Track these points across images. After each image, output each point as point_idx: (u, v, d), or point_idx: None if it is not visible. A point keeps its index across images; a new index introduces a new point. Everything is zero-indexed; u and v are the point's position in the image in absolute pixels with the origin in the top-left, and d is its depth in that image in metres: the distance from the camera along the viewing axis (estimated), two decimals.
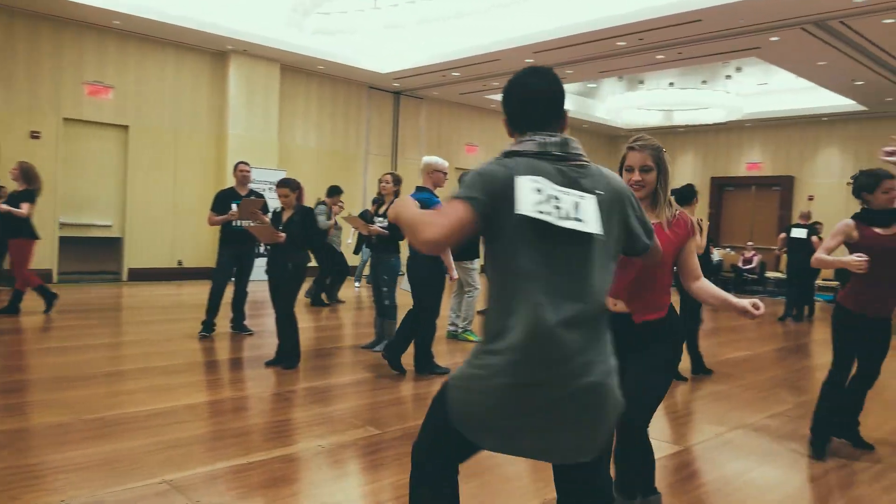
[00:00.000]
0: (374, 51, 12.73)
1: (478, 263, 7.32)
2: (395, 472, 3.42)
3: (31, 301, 7.86)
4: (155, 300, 9.59)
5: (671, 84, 15.07)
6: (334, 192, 9.32)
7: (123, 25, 10.88)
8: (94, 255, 11.44)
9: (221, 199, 6.78)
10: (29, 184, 7.47)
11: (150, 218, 11.56)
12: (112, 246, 11.55)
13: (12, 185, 7.92)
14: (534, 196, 1.67)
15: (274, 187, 6.64)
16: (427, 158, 5.78)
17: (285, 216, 5.60)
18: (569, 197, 1.71)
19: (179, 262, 11.86)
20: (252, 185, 7.24)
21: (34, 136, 10.49)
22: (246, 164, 7.06)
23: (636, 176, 2.55)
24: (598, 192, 1.77)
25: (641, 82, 15.36)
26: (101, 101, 11.12)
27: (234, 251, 6.71)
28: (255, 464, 3.40)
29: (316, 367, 5.66)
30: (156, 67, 11.62)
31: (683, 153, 18.52)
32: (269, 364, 5.52)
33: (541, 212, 1.66)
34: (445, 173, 5.76)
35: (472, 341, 7.06)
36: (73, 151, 10.98)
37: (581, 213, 1.71)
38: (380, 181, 6.27)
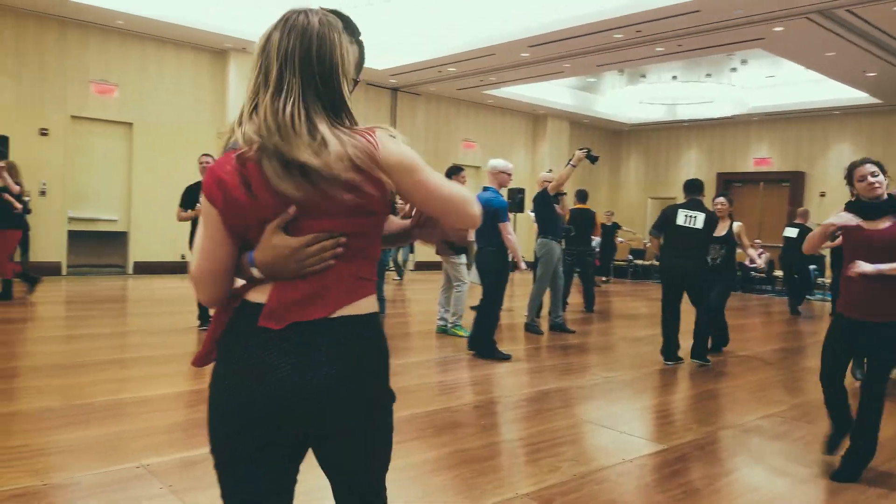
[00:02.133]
0: (369, 48, 12.75)
1: (465, 258, 7.35)
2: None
3: (40, 292, 8.04)
4: (157, 293, 9.76)
5: (674, 77, 15.00)
6: None
7: (126, 25, 11.02)
8: (101, 248, 11.64)
9: (188, 194, 6.78)
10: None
11: (154, 213, 11.73)
12: (118, 240, 11.75)
13: (26, 182, 8.31)
14: None
15: None
16: (493, 161, 6.35)
17: None
18: None
19: (182, 256, 12.02)
20: None
21: (43, 132, 10.69)
22: (208, 155, 6.95)
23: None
24: None
25: (643, 76, 15.32)
26: (107, 98, 11.28)
27: None
28: None
29: None
30: (157, 66, 11.77)
31: (688, 148, 18.43)
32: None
33: None
34: (510, 174, 6.31)
35: (461, 336, 7.09)
36: (80, 147, 11.16)
37: None
38: None
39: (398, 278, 12.89)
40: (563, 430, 4.14)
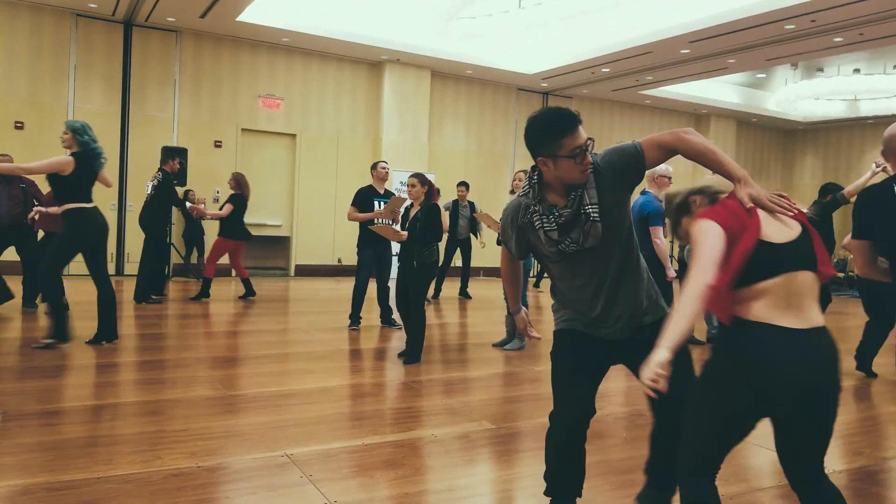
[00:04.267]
0: (520, 52, 12.76)
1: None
2: (496, 468, 3.44)
3: (216, 289, 8.83)
4: (316, 293, 10.35)
5: (856, 70, 13.60)
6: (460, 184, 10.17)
7: (291, 42, 11.84)
8: (267, 251, 12.57)
9: (363, 197, 7.11)
10: (238, 190, 8.69)
11: (314, 219, 12.48)
12: (282, 244, 12.64)
13: (201, 191, 9.20)
14: None
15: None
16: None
17: (412, 213, 5.79)
18: None
19: (339, 260, 12.68)
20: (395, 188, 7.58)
21: (217, 144, 11.75)
22: (385, 163, 7.41)
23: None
24: None
25: (820, 69, 14.01)
26: (273, 112, 12.19)
27: (373, 250, 7.01)
28: (370, 446, 3.56)
29: (449, 361, 5.82)
30: (319, 79, 12.53)
31: (873, 147, 16.55)
32: (400, 356, 5.74)
33: None
34: (670, 178, 6.10)
35: None
36: (249, 157, 12.13)
37: None
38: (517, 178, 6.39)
39: (535, 286, 12.73)
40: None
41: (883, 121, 15.60)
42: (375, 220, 6.87)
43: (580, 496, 2.58)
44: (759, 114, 16.58)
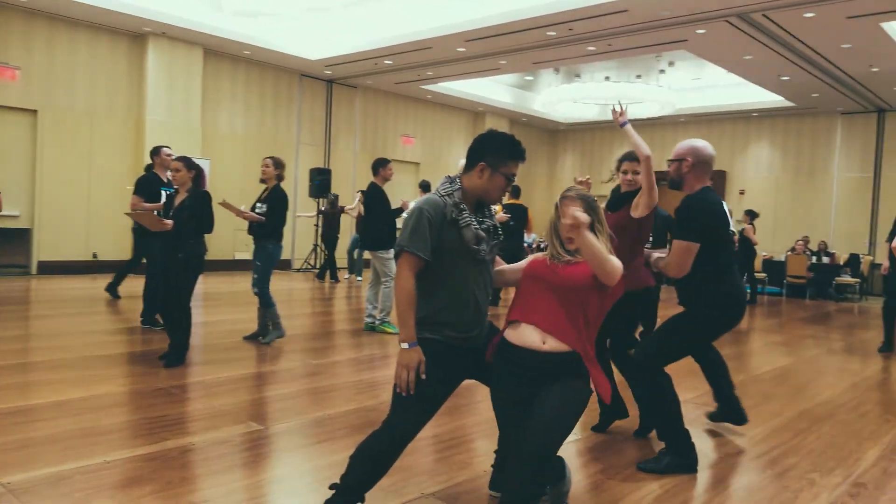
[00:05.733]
0: (303, 36, 12.37)
1: (392, 253, 7.09)
2: (266, 469, 3.21)
3: None
4: (64, 293, 9.07)
5: (607, 78, 15.14)
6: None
7: (30, 3, 10.25)
8: (1, 247, 10.79)
9: (147, 184, 6.55)
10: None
11: (62, 208, 10.97)
12: (20, 238, 10.90)
13: None
14: None
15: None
16: None
17: (178, 199, 5.27)
18: None
19: (94, 255, 11.29)
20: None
21: None
22: (169, 148, 6.85)
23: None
24: None
25: (578, 75, 15.39)
26: (6, 83, 10.47)
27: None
28: (112, 463, 3.12)
29: (218, 361, 5.38)
30: (67, 49, 11.01)
31: (620, 147, 18.66)
32: (161, 358, 5.19)
33: None
34: None
35: (390, 333, 6.85)
36: None
37: None
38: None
39: (349, 276, 12.52)
40: (479, 425, 3.92)
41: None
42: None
43: None
44: (529, 114, 17.84)
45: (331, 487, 2.52)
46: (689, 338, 3.54)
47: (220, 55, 12.72)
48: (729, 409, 3.98)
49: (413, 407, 2.46)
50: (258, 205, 6.10)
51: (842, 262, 13.76)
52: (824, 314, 10.82)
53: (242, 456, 3.35)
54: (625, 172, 3.79)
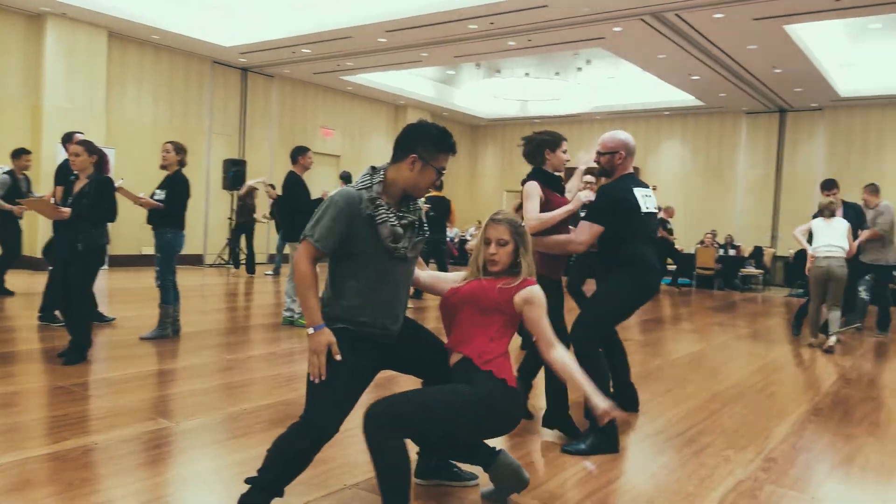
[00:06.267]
0: (215, 22, 11.89)
1: None
2: (177, 466, 3.02)
3: None
4: None
5: (527, 74, 15.34)
6: (19, 153, 7.76)
7: None
8: None
9: (62, 173, 6.17)
10: None
11: None
12: None
13: None
14: None
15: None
16: None
17: (77, 186, 4.92)
18: None
19: None
20: None
21: None
22: (82, 133, 6.32)
23: (492, 249, 2.60)
24: None
25: (498, 71, 15.52)
26: None
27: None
28: (5, 465, 2.85)
29: (123, 357, 5.07)
30: None
31: None
32: (60, 356, 4.83)
33: None
34: None
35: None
36: None
37: None
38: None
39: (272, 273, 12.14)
40: None
41: (547, 121, 17.98)
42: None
43: None
44: (450, 108, 17.85)
45: (247, 482, 2.39)
46: (614, 303, 3.65)
47: (127, 39, 12.06)
48: (624, 395, 4.11)
49: (331, 399, 2.36)
50: (157, 191, 5.80)
51: (746, 255, 14.49)
52: (731, 303, 11.34)
53: (151, 454, 3.14)
54: (564, 152, 3.83)
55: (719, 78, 12.70)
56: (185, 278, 5.94)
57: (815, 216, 7.20)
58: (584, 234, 3.56)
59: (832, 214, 6.97)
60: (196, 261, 13.26)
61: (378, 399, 2.36)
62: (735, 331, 8.12)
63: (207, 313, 7.57)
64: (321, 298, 2.48)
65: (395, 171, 2.47)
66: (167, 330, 5.80)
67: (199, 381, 4.54)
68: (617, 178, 3.70)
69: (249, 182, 12.04)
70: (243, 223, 12.02)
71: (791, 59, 11.24)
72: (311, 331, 2.37)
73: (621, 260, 3.60)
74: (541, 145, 3.79)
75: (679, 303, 11.18)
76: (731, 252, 14.19)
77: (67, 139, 6.40)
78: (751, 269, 14.14)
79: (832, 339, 6.76)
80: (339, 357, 2.35)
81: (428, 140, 2.46)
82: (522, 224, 2.64)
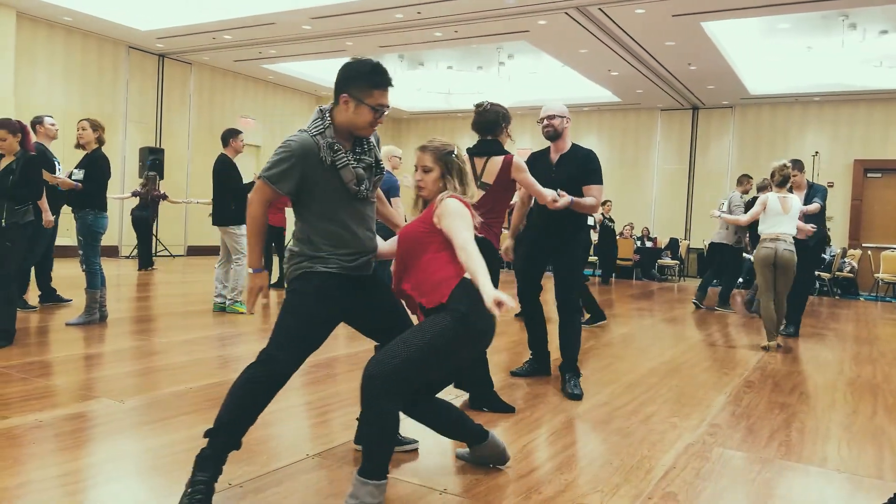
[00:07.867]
0: (131, 5, 11.34)
1: (244, 229, 6.70)
2: (120, 445, 2.90)
3: None
4: None
5: (450, 67, 15.45)
6: None
7: None
8: None
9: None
10: None
11: None
12: None
13: None
14: None
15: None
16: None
17: (2, 164, 4.64)
18: None
19: None
20: None
21: None
22: (51, 117, 6.44)
23: (417, 175, 2.62)
24: None
25: (421, 63, 15.54)
26: None
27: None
28: None
29: (49, 342, 4.79)
30: None
31: (461, 138, 19.13)
32: None
33: None
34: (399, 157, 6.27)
35: (241, 313, 6.49)
36: None
37: None
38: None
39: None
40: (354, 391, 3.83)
41: (469, 114, 18.13)
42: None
43: None
44: None
45: (205, 435, 2.29)
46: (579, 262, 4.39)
47: (37, 20, 11.34)
48: (539, 362, 4.52)
49: (287, 336, 2.33)
50: (75, 171, 5.53)
51: (663, 247, 15.16)
52: (650, 292, 11.85)
53: (99, 430, 3.00)
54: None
55: (637, 74, 13.20)
56: (105, 269, 5.67)
57: (759, 188, 7.80)
58: (601, 194, 4.30)
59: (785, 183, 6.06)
60: (112, 252, 12.62)
61: (371, 360, 2.31)
62: (658, 315, 8.49)
63: (132, 300, 7.24)
64: (294, 254, 2.45)
65: (336, 112, 2.43)
66: (95, 315, 5.53)
67: (135, 362, 4.36)
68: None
69: (170, 197, 11.41)
70: (141, 217, 11.27)
71: (706, 57, 11.83)
72: (250, 271, 2.47)
73: (579, 224, 4.25)
74: (505, 117, 3.88)
75: (602, 291, 11.57)
76: (648, 244, 14.81)
77: (38, 121, 6.24)
78: (667, 260, 14.80)
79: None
80: (265, 300, 2.46)
81: (357, 77, 2.38)
82: (452, 150, 2.61)
